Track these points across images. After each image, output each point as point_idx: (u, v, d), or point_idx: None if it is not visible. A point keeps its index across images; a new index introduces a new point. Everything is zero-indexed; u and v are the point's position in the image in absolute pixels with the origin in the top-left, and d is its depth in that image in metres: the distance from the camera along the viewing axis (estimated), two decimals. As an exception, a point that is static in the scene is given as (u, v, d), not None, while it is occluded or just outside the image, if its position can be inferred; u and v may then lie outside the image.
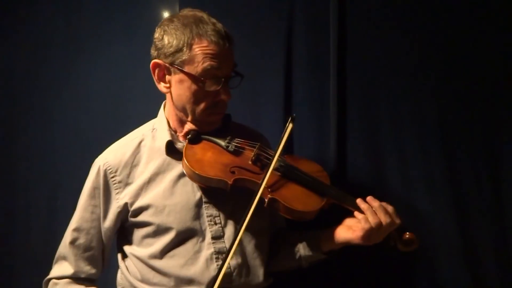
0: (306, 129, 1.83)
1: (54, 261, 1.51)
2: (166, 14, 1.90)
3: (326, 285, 1.73)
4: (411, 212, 1.75)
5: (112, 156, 1.47)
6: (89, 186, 1.47)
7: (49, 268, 1.51)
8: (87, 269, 1.47)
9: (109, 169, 1.45)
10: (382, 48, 1.80)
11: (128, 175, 1.45)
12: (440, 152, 1.75)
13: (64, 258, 1.48)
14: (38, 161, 1.97)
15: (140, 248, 1.45)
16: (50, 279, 1.49)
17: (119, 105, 1.94)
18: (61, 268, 1.48)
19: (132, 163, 1.46)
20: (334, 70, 1.79)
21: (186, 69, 1.37)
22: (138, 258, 1.45)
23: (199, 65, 1.36)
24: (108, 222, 1.46)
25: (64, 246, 1.48)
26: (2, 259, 1.98)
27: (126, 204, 1.44)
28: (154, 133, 1.50)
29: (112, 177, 1.44)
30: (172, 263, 1.41)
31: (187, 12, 1.43)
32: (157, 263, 1.42)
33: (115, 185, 1.45)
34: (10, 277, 1.97)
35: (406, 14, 1.79)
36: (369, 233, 1.35)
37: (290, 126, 1.44)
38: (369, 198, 1.39)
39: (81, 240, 1.46)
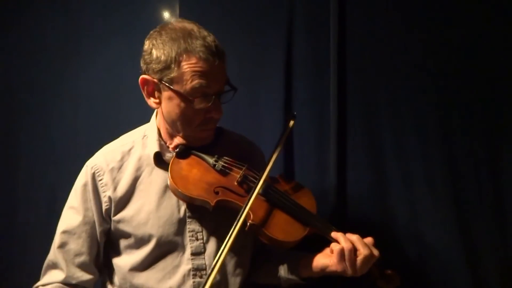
0: (306, 129, 1.83)
1: (42, 272, 1.46)
2: (166, 14, 1.90)
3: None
4: (411, 212, 1.76)
5: (101, 159, 1.45)
6: (79, 189, 1.45)
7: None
8: (79, 275, 1.42)
9: (97, 172, 1.43)
10: (382, 48, 1.80)
11: (114, 180, 1.43)
12: (440, 152, 1.75)
13: (53, 266, 1.44)
14: (38, 161, 1.97)
15: (123, 257, 1.44)
16: (37, 286, 1.45)
17: (119, 105, 1.94)
18: (50, 276, 1.44)
19: (119, 169, 1.44)
20: (334, 70, 1.79)
21: (174, 86, 1.32)
22: (119, 268, 1.44)
23: (187, 83, 1.31)
24: (103, 224, 1.44)
25: (53, 252, 1.45)
26: (2, 259, 1.98)
27: (110, 199, 1.42)
28: (145, 140, 1.48)
29: (100, 180, 1.43)
30: (151, 276, 1.40)
31: (176, 24, 1.36)
32: (136, 275, 1.41)
33: (103, 187, 1.43)
34: (10, 278, 1.97)
35: (406, 14, 1.79)
36: (343, 258, 1.29)
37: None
38: (348, 234, 1.34)
39: (72, 245, 1.42)
